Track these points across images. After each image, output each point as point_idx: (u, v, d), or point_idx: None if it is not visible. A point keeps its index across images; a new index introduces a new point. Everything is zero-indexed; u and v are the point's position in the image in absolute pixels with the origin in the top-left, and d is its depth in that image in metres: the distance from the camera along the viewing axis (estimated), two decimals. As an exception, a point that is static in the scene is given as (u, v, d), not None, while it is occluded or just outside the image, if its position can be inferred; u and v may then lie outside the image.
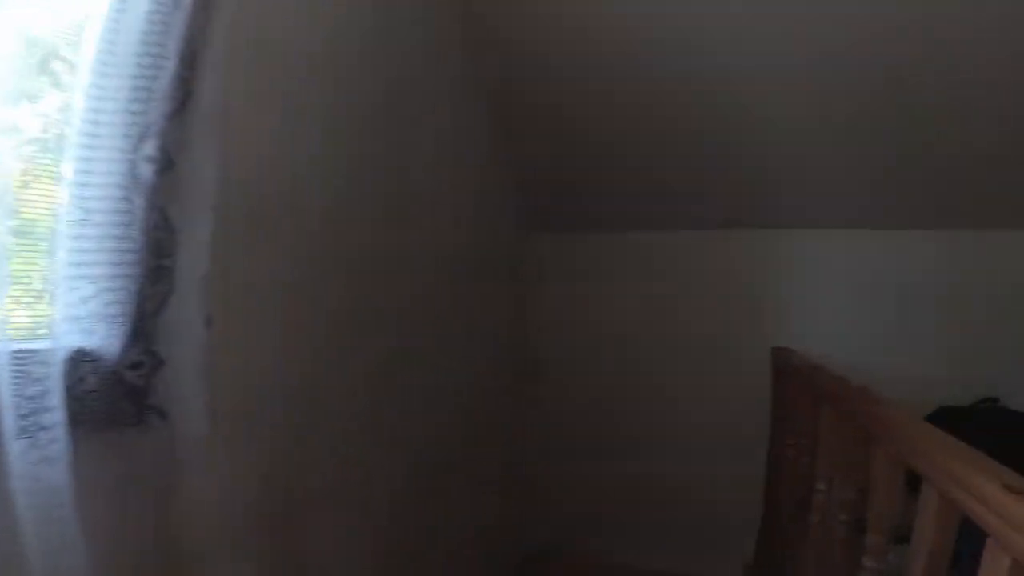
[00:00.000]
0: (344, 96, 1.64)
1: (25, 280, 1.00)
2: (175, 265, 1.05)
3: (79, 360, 1.03)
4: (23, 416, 0.89)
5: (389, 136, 1.88)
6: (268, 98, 1.34)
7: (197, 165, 1.12)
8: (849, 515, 1.63)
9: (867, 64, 2.24)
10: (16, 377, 0.88)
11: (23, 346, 0.93)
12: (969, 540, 0.99)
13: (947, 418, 2.38)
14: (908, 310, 2.82)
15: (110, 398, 1.04)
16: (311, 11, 1.50)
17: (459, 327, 2.39)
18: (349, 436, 1.64)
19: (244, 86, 1.27)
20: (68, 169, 1.04)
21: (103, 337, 1.05)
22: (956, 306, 2.78)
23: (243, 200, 1.22)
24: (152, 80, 1.14)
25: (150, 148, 1.11)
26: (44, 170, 1.05)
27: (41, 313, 1.00)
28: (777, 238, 2.95)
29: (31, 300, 1.02)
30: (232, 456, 1.17)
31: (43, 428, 0.91)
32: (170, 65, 1.15)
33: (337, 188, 1.58)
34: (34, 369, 0.92)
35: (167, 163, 1.11)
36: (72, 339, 1.03)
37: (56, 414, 0.92)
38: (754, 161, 2.68)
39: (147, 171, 1.09)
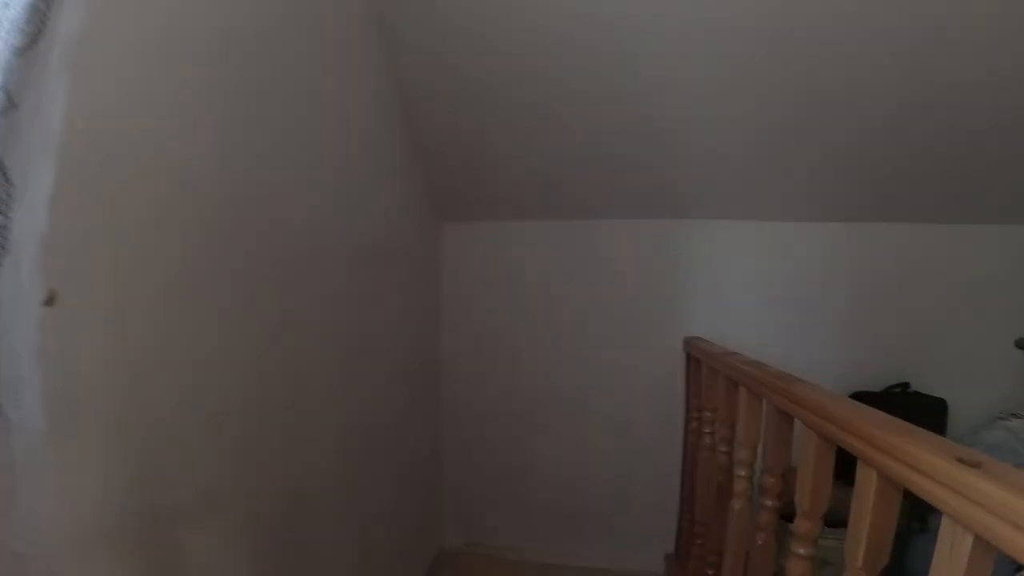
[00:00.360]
0: (235, 56, 1.45)
1: None
2: (10, 223, 0.86)
3: None
4: None
5: (286, 107, 1.68)
6: (142, 41, 1.14)
7: (43, 108, 0.93)
8: (774, 500, 1.58)
9: (775, 59, 2.23)
10: None
11: None
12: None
13: (860, 403, 2.40)
14: (818, 300, 2.86)
15: (-71, 385, 0.85)
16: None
17: (364, 317, 2.21)
18: (235, 434, 1.44)
19: (115, 24, 1.07)
20: None
21: (-80, 311, 0.85)
22: (865, 295, 2.84)
23: (97, 152, 1.02)
24: (2, 9, 0.96)
25: (-10, 86, 0.92)
26: None
27: None
28: (687, 229, 2.93)
29: None
30: (82, 456, 0.98)
31: None
32: (24, -7, 0.97)
33: (218, 155, 1.38)
34: None
35: (8, 104, 0.92)
36: None
37: None
38: (665, 152, 2.64)
39: (-17, 112, 0.90)
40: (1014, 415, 2.68)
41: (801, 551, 1.33)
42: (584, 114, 2.50)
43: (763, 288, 2.90)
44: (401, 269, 2.61)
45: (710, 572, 2.09)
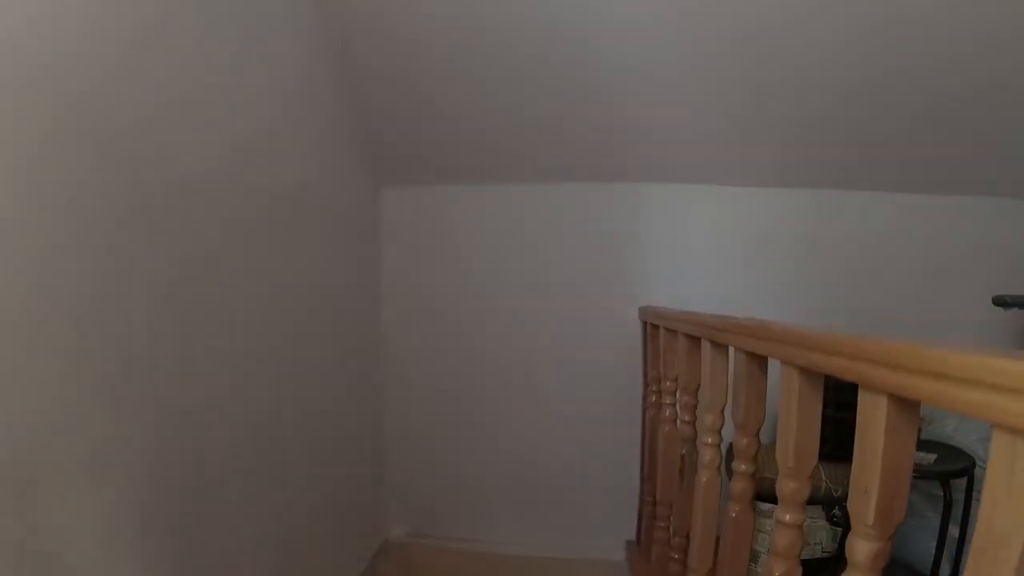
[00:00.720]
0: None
1: None
2: None
3: None
4: None
5: (207, 48, 1.54)
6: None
7: None
8: (749, 464, 1.35)
9: (731, 13, 2.08)
10: None
11: None
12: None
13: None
14: (783, 269, 2.71)
15: None
16: None
17: (290, 280, 2.01)
18: (123, 395, 1.25)
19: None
20: None
21: None
22: (832, 263, 2.71)
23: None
24: None
25: None
26: None
27: None
28: (643, 193, 2.74)
29: None
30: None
31: None
32: None
33: (123, 91, 1.25)
34: None
35: None
36: None
37: None
38: (615, 112, 2.47)
39: None
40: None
41: (787, 518, 1.09)
42: (530, 74, 2.33)
43: (724, 257, 2.73)
44: (336, 233, 2.39)
45: (675, 556, 1.86)
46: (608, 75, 2.32)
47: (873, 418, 0.81)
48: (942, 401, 0.67)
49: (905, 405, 0.77)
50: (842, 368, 0.88)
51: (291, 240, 2.00)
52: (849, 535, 0.86)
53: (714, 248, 2.73)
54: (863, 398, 0.84)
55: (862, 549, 0.83)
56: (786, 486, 1.09)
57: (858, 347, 0.84)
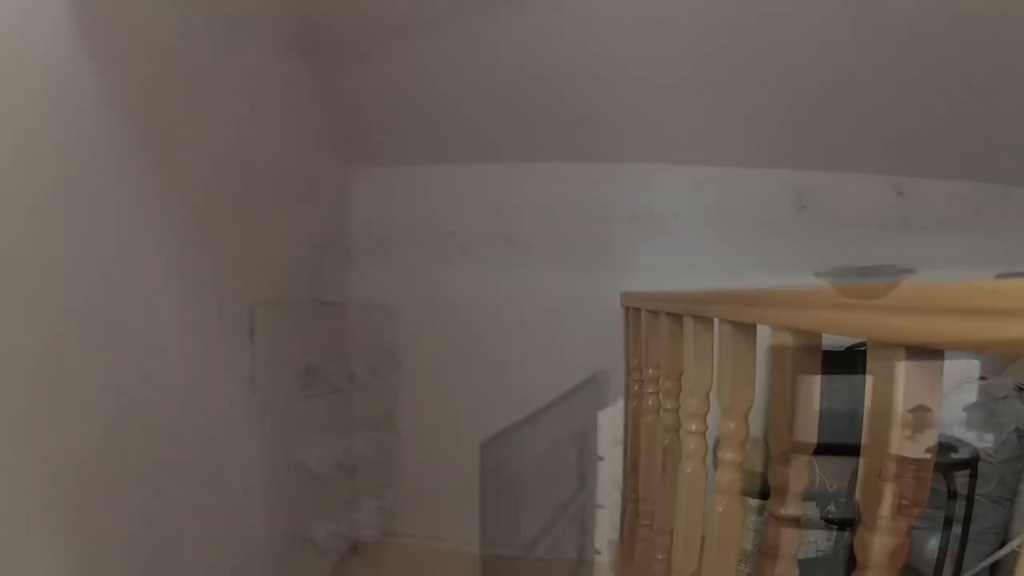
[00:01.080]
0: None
1: None
2: None
3: None
4: None
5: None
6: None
7: None
8: (736, 452, 1.19)
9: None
10: None
11: None
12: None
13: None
14: (772, 252, 2.62)
15: None
16: None
17: (272, 274, 2.03)
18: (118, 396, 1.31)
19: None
20: None
21: None
22: (822, 247, 2.63)
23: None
24: None
25: None
26: None
27: None
28: (626, 173, 2.65)
29: None
30: None
31: None
32: None
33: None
34: None
35: None
36: None
37: None
38: (598, 90, 2.38)
39: None
40: (982, 378, 2.43)
41: (782, 511, 0.93)
42: (511, 48, 2.24)
43: (710, 240, 2.63)
44: (298, 210, 2.30)
45: (659, 557, 1.70)
46: (590, 56, 2.24)
47: (887, 381, 0.65)
48: (979, 342, 0.51)
49: (927, 358, 0.61)
50: (846, 323, 0.72)
51: (258, 223, 1.97)
52: (859, 530, 0.70)
53: (703, 232, 2.63)
54: (874, 358, 0.69)
55: (877, 546, 0.66)
56: (780, 474, 0.93)
57: (866, 294, 0.68)
